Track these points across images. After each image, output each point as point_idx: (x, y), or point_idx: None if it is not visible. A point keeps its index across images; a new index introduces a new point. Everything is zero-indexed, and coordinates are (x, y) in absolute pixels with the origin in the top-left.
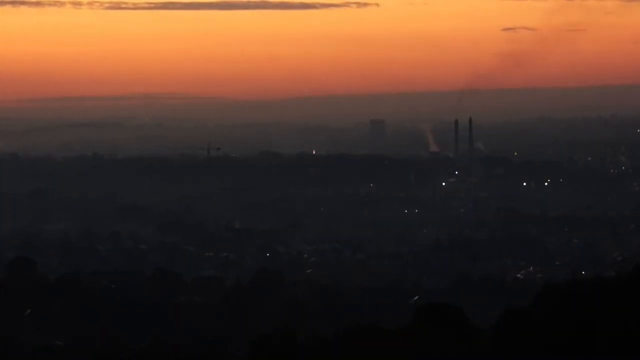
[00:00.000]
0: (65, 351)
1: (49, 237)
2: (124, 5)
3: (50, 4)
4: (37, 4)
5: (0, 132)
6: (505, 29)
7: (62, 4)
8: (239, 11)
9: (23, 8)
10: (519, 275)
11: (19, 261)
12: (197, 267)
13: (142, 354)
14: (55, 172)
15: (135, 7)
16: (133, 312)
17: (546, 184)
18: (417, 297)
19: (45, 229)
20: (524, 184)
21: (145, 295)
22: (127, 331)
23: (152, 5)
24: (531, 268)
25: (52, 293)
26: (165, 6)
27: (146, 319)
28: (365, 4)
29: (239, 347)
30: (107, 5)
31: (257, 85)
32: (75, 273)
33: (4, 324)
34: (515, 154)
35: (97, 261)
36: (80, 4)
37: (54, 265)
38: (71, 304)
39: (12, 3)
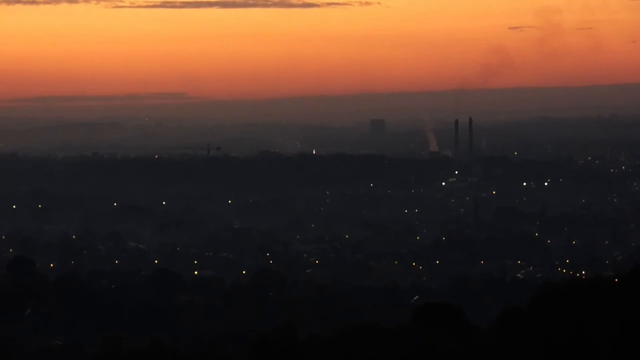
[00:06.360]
0: (65, 351)
1: (49, 237)
2: (121, 4)
3: (45, 2)
4: (33, 2)
5: (0, 132)
6: (511, 28)
7: (58, 1)
8: (240, 10)
9: (18, 6)
10: (518, 275)
11: (19, 261)
12: (197, 267)
13: (141, 354)
14: (55, 172)
15: (133, 5)
16: (133, 312)
17: (546, 184)
18: (417, 297)
19: (45, 229)
20: (524, 184)
21: (145, 295)
22: (127, 331)
23: (150, 4)
24: (531, 268)
25: (52, 293)
26: (163, 5)
27: (146, 319)
28: (367, 3)
29: (239, 347)
30: (104, 4)
31: (257, 85)
32: (75, 273)
33: (4, 324)
34: (516, 153)
35: (97, 261)
36: (76, 2)
37: (54, 265)
38: (71, 304)
39: (7, 2)
